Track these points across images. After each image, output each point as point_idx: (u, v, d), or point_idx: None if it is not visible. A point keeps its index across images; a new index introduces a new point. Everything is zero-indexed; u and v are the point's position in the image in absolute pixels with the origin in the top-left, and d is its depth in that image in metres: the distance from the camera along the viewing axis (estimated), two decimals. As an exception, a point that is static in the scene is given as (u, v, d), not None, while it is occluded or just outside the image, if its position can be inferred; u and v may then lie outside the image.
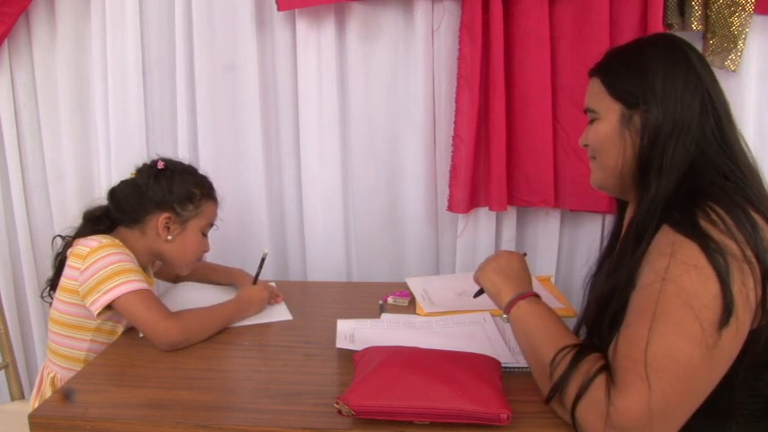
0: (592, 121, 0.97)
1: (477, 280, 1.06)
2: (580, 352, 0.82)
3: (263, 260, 1.42)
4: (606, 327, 0.88)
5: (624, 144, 0.91)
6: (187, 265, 1.33)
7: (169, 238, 1.26)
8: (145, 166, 1.30)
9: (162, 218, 1.25)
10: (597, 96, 0.95)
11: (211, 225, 1.34)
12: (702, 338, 0.73)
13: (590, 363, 0.80)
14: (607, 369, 0.79)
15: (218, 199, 1.34)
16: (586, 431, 0.77)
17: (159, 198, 1.25)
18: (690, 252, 0.77)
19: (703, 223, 0.78)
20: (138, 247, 1.25)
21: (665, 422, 0.75)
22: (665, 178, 0.86)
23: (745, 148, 0.90)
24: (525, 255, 1.09)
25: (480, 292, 1.08)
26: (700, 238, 0.77)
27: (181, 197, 1.26)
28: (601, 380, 0.77)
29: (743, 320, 0.76)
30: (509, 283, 1.00)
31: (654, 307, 0.76)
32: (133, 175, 1.29)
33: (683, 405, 0.76)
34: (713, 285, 0.75)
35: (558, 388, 0.81)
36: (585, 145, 1.00)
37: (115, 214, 1.27)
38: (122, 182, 1.30)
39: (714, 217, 0.78)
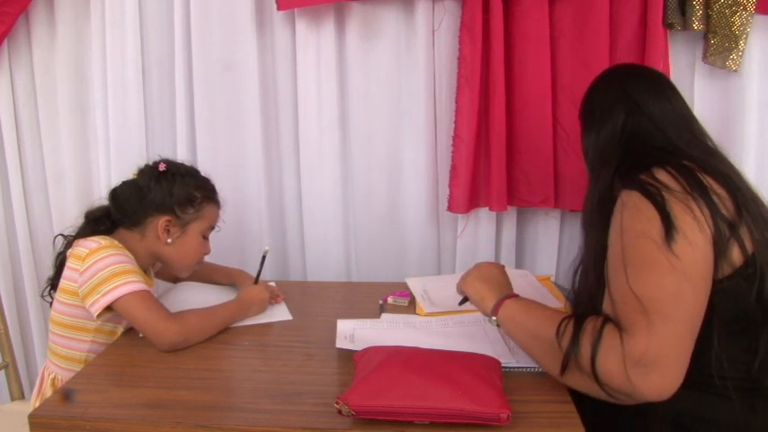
0: None
1: (460, 289, 1.11)
2: (579, 318, 0.88)
3: (263, 258, 1.41)
4: (590, 291, 0.97)
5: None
6: (187, 269, 1.32)
7: (169, 241, 1.25)
8: (146, 167, 1.28)
9: (162, 221, 1.23)
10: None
11: (213, 228, 1.32)
12: (669, 264, 0.81)
13: (593, 321, 0.86)
14: (611, 321, 0.85)
15: (221, 202, 1.33)
16: (611, 380, 0.81)
17: (159, 201, 1.23)
18: (633, 199, 0.88)
19: (643, 176, 0.89)
20: (138, 249, 1.24)
21: (678, 351, 0.81)
22: (599, 170, 1.02)
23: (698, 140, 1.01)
24: (504, 266, 1.15)
25: (464, 300, 1.11)
26: (639, 185, 0.88)
27: (181, 200, 1.24)
28: (610, 328, 0.83)
29: (697, 242, 0.82)
30: (491, 288, 1.05)
31: (622, 257, 0.85)
32: (135, 176, 1.28)
33: (686, 330, 0.81)
34: (657, 218, 0.84)
35: (572, 351, 0.85)
36: None
37: (116, 215, 1.26)
38: (123, 182, 1.29)
39: (656, 171, 0.89)
